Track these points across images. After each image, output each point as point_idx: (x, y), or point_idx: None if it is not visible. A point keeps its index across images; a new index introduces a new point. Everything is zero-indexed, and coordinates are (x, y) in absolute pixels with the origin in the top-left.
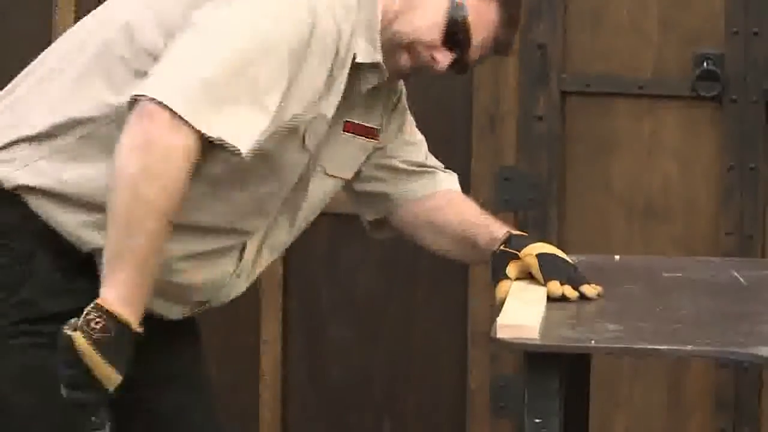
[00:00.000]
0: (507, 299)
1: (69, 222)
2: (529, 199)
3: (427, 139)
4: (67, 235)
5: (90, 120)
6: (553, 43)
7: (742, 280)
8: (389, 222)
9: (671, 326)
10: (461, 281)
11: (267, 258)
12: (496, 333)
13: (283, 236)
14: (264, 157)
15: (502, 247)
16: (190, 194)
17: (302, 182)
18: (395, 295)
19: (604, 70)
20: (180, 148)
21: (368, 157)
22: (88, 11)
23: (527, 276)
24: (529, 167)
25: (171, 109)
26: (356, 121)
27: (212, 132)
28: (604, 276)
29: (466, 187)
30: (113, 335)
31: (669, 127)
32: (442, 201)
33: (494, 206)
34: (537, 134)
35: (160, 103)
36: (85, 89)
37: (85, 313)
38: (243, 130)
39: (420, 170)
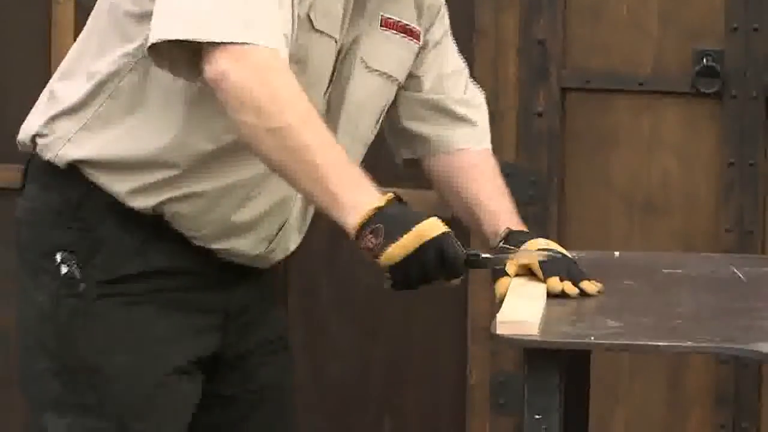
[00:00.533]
0: (507, 295)
1: (120, 190)
2: (529, 195)
3: None
4: (123, 201)
5: (112, 76)
6: (553, 38)
7: (741, 276)
8: (421, 165)
9: (671, 322)
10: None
11: None
12: (496, 329)
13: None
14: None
15: (501, 244)
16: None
17: (340, 77)
18: (395, 292)
19: (604, 66)
20: (262, 65)
21: (417, 65)
22: (89, 7)
23: (527, 272)
24: (529, 163)
25: (222, 43)
26: (394, 18)
27: (263, 41)
28: (603, 272)
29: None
30: (386, 226)
31: (669, 123)
32: (469, 162)
33: None
34: (537, 130)
35: (209, 43)
36: (106, 52)
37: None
38: (275, 28)
39: (461, 116)
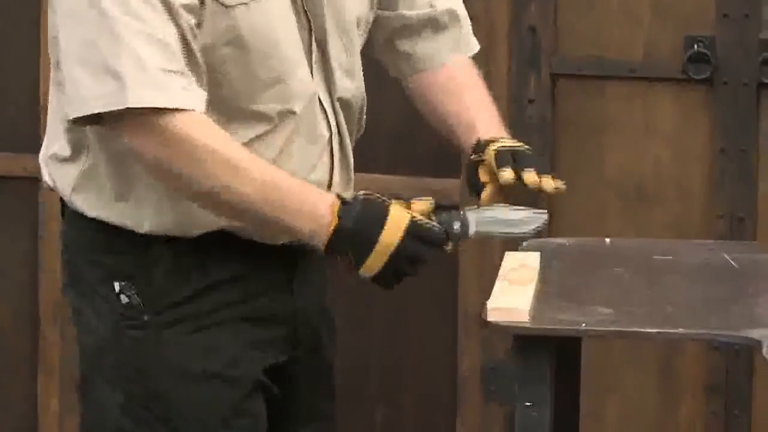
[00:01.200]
0: (497, 281)
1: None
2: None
3: (417, 127)
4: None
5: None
6: (544, 26)
7: (733, 263)
8: (407, 89)
9: (663, 310)
10: (451, 264)
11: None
12: (486, 316)
13: (344, 59)
14: None
15: (471, 156)
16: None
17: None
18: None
19: (595, 53)
20: (167, 133)
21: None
22: None
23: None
24: None
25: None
26: None
27: (161, 99)
28: (595, 259)
29: (456, 170)
30: (351, 247)
31: (661, 111)
32: (447, 76)
33: None
34: (528, 117)
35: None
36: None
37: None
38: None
39: (439, 26)
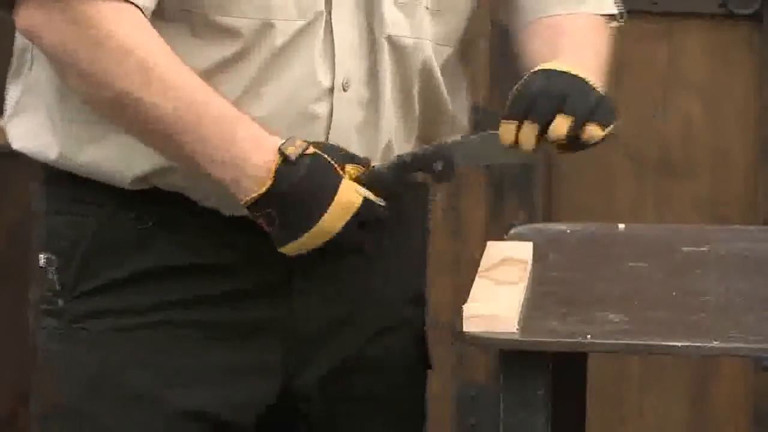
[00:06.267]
0: (476, 279)
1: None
2: None
3: None
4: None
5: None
6: None
7: None
8: (514, 44)
9: (692, 316)
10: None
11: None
12: (462, 326)
13: None
14: None
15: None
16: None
17: None
18: None
19: None
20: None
21: None
22: None
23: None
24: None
25: None
26: None
27: None
28: (604, 250)
29: None
30: (279, 213)
31: (692, 55)
32: (554, 29)
33: None
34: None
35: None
36: None
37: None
38: None
39: None
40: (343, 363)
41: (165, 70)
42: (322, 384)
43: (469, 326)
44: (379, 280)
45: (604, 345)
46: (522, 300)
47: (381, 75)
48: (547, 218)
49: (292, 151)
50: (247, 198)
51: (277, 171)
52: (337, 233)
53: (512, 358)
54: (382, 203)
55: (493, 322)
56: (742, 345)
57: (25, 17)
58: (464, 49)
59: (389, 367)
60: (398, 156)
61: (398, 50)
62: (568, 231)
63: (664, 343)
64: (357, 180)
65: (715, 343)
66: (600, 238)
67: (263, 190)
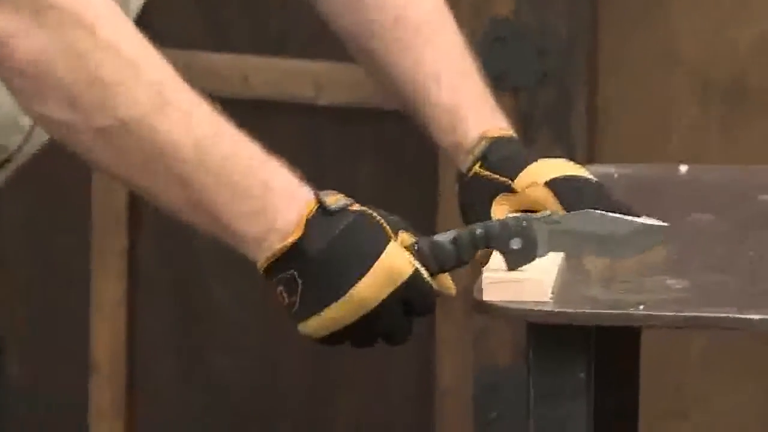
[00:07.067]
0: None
1: None
2: (535, 75)
3: None
4: None
5: None
6: None
7: None
8: (335, 28)
9: None
10: None
11: None
12: (481, 294)
13: None
14: None
15: (477, 168)
16: None
17: None
18: None
19: None
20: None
21: None
22: None
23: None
24: (537, 20)
25: None
26: None
27: None
28: (662, 199)
29: None
30: (303, 281)
31: None
32: (404, 17)
33: None
34: None
35: None
36: None
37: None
38: None
39: None
40: None
41: (173, 83)
42: None
43: (490, 294)
44: None
45: (661, 318)
46: (557, 263)
47: None
48: (590, 158)
49: (333, 202)
50: (268, 254)
51: (310, 221)
52: (377, 305)
53: (545, 334)
54: (434, 285)
55: (520, 289)
56: None
57: None
58: None
59: None
60: (468, 229)
61: None
62: (616, 175)
63: (737, 315)
64: (409, 250)
65: None
66: (655, 184)
67: (289, 241)
